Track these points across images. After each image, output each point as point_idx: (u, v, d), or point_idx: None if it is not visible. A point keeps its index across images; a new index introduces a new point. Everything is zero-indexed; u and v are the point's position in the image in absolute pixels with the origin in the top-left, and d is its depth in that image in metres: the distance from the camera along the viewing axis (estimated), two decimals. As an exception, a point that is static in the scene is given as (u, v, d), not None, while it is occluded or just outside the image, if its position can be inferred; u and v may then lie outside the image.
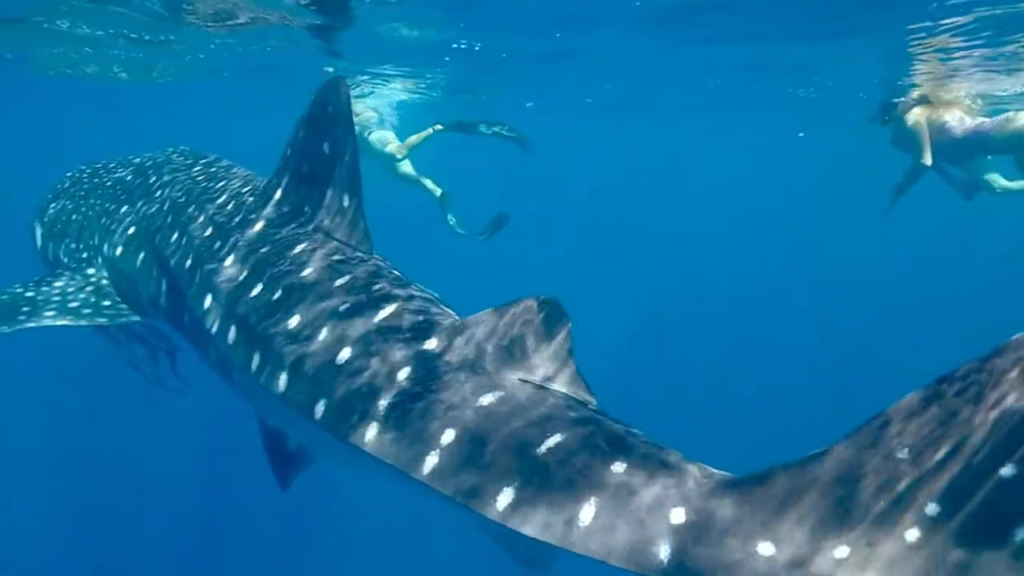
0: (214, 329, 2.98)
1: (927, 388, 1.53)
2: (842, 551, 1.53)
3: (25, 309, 4.07)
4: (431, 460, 1.99)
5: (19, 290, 4.28)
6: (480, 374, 2.15)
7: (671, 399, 15.36)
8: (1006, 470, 1.40)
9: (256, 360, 2.66)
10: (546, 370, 2.15)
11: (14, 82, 13.27)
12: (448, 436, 2.01)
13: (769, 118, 18.05)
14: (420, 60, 10.77)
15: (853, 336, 20.05)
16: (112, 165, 5.66)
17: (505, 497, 1.86)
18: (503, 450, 1.93)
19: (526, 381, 2.13)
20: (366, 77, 12.24)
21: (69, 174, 5.91)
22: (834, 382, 15.79)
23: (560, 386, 2.15)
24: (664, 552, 1.67)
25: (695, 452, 1.90)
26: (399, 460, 2.05)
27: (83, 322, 4.12)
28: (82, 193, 5.35)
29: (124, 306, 4.24)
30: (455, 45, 9.71)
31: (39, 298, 4.21)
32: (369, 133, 11.84)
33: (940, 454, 1.47)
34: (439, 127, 10.93)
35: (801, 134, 21.87)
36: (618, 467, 1.82)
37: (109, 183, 5.23)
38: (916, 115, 8.87)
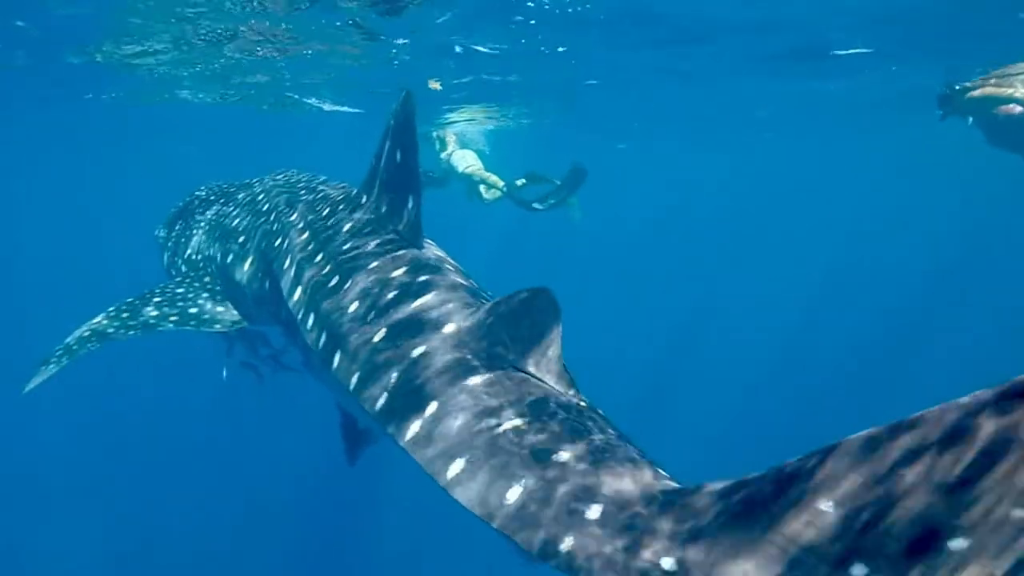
0: (299, 317, 3.37)
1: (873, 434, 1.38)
2: None
3: (154, 314, 4.52)
4: (412, 428, 2.24)
5: (147, 296, 4.75)
6: (477, 358, 2.38)
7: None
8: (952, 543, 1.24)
9: (322, 340, 3.03)
10: (534, 359, 2.31)
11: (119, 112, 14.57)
12: (431, 408, 2.25)
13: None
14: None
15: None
16: (225, 185, 6.30)
17: (456, 467, 2.03)
18: (467, 426, 2.12)
19: (517, 369, 2.31)
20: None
21: (191, 194, 6.59)
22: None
23: (544, 374, 2.30)
24: (566, 544, 1.72)
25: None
26: (394, 428, 2.32)
27: (203, 328, 4.52)
28: (200, 210, 5.98)
29: (235, 313, 4.64)
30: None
31: (164, 304, 4.65)
32: (450, 155, 12.24)
33: (868, 513, 1.33)
34: (503, 191, 11.06)
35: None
36: (562, 455, 1.93)
37: (223, 200, 5.82)
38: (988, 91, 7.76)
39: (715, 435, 14.18)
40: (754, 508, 1.51)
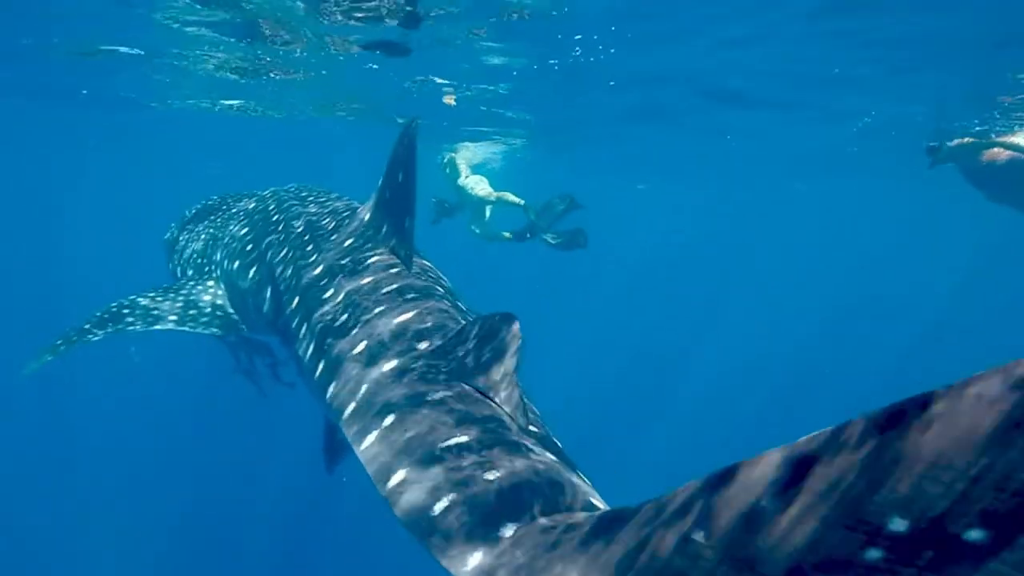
0: (293, 326, 3.49)
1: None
2: None
3: (154, 312, 4.63)
4: (368, 438, 2.34)
5: (151, 295, 4.87)
6: (440, 377, 2.50)
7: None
8: None
9: (310, 350, 3.14)
10: (492, 381, 2.41)
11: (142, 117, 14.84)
12: (388, 421, 2.37)
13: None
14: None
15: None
16: (237, 195, 6.42)
17: (396, 478, 2.13)
18: (414, 440, 2.23)
19: (476, 389, 2.43)
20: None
21: (201, 202, 6.72)
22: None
23: (498, 396, 2.39)
24: (474, 561, 1.82)
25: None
26: (354, 436, 2.42)
27: (199, 330, 4.61)
28: (211, 217, 6.09)
29: (235, 318, 4.73)
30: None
31: (165, 304, 4.77)
32: (465, 181, 12.24)
33: (737, 548, 1.33)
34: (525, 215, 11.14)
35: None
36: (491, 475, 2.03)
37: (234, 209, 5.92)
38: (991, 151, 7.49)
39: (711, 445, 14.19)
40: (641, 535, 1.55)
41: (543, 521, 1.86)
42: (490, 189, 11.91)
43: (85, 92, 12.89)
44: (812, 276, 36.51)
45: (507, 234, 11.48)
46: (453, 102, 11.71)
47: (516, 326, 2.39)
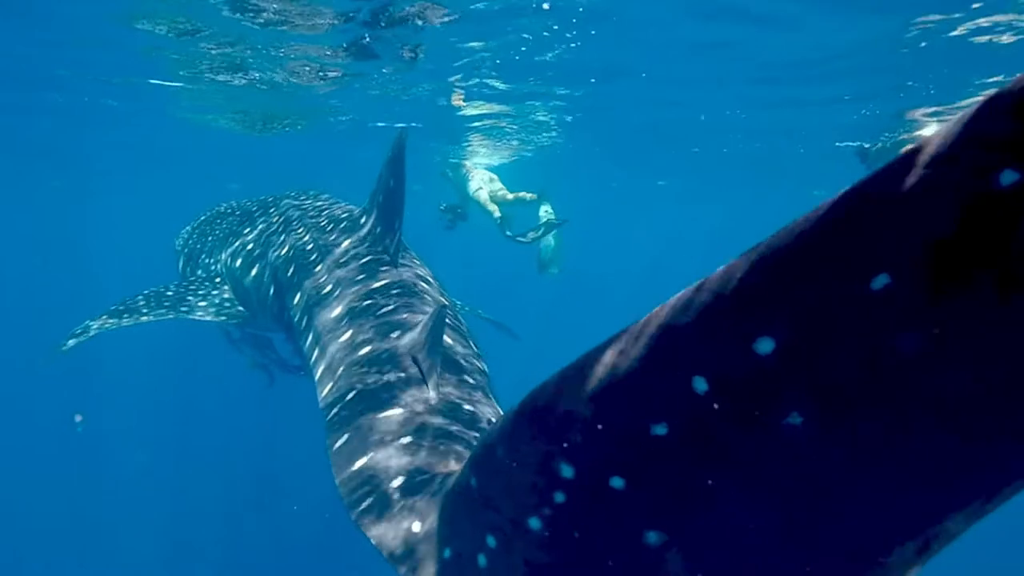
0: (295, 320, 3.78)
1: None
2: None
3: (167, 304, 5.00)
4: (332, 410, 2.76)
5: (162, 289, 5.26)
6: (397, 360, 2.88)
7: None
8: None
9: (308, 342, 3.46)
10: (423, 361, 2.81)
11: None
12: (350, 396, 2.80)
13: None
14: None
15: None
16: (243, 201, 6.76)
17: (339, 441, 2.56)
18: (364, 411, 2.64)
19: (415, 363, 2.84)
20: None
21: (210, 208, 7.07)
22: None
23: (424, 371, 2.78)
24: (366, 504, 2.17)
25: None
26: (328, 423, 2.74)
27: (208, 318, 4.96)
28: (217, 220, 6.44)
29: (241, 308, 5.06)
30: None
31: (176, 296, 5.15)
32: (470, 180, 12.04)
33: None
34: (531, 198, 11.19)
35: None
36: (405, 439, 2.42)
37: (239, 212, 6.28)
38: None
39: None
40: (459, 475, 1.82)
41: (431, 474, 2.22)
42: (486, 188, 11.60)
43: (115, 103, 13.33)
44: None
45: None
46: (462, 102, 11.63)
47: (442, 317, 2.80)
